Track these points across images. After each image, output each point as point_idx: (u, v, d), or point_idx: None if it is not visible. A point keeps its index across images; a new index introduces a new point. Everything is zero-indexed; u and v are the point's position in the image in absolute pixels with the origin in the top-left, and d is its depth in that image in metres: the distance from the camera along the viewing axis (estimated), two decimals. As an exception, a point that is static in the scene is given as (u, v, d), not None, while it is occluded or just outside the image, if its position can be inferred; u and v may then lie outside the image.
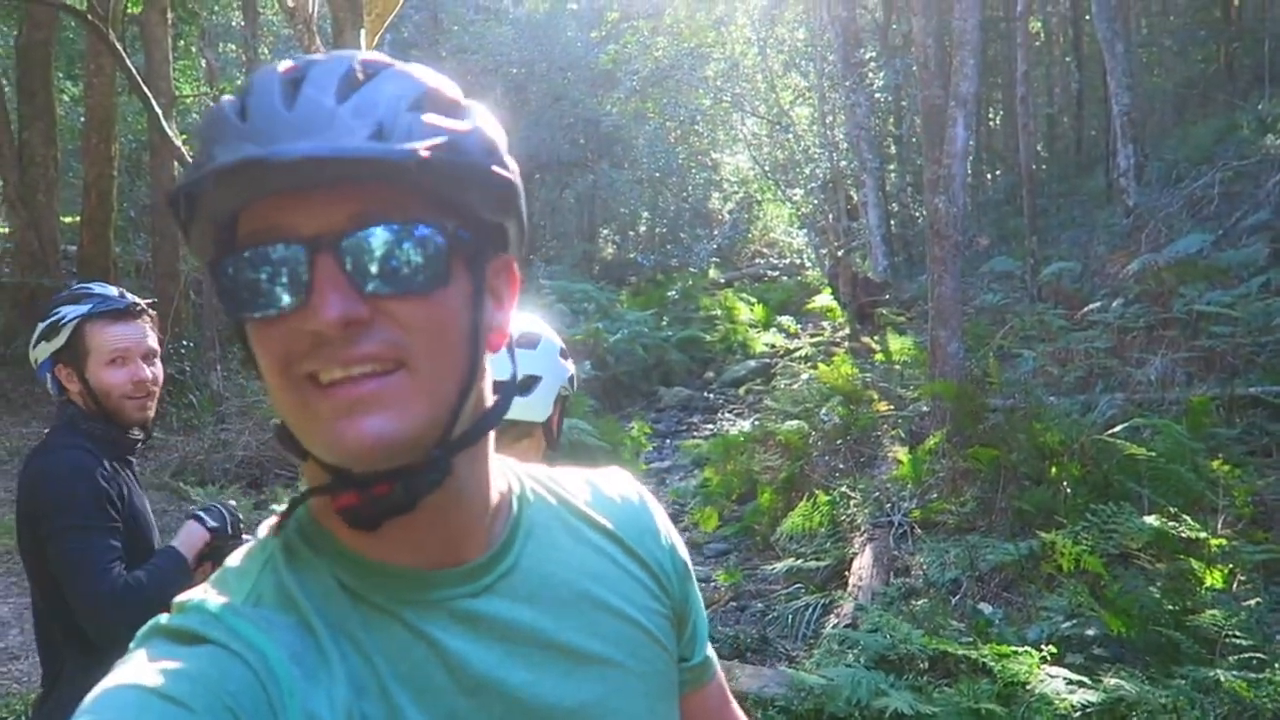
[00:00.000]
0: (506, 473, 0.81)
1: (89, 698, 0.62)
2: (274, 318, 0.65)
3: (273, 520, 0.77)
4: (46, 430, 2.18)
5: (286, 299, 0.64)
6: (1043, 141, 19.13)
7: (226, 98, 0.69)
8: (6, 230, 11.67)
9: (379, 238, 0.65)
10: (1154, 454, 5.01)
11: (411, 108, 0.67)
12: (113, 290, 2.17)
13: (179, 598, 0.71)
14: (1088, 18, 15.58)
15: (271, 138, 0.63)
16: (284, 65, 0.68)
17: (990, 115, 21.85)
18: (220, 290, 0.67)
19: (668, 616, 0.87)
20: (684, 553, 0.93)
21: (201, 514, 2.18)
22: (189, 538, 2.13)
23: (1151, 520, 4.26)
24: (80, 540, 1.96)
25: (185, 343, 9.28)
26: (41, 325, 2.09)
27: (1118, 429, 5.50)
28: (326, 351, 0.64)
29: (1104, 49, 12.50)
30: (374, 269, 0.64)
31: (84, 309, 2.08)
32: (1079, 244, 11.94)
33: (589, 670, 0.78)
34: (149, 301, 2.22)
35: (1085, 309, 8.94)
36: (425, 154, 0.64)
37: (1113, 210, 12.57)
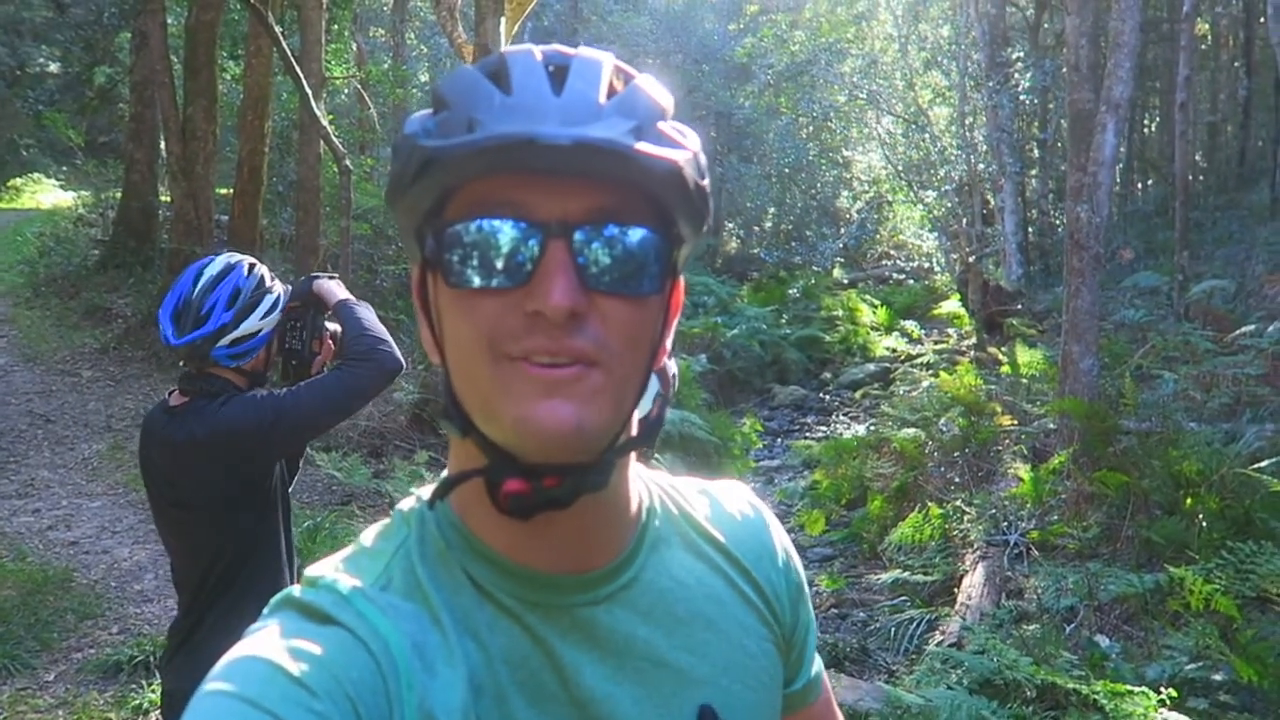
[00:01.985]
0: (638, 481, 0.81)
1: (220, 663, 0.65)
2: (492, 291, 0.66)
3: (410, 501, 0.78)
4: (173, 404, 2.19)
5: (511, 275, 0.65)
6: (1202, 151, 18.00)
7: (469, 68, 0.70)
8: (168, 199, 12.44)
9: (611, 234, 0.66)
10: (1304, 492, 4.67)
11: (661, 118, 0.69)
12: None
13: (310, 572, 0.73)
14: (1262, 20, 14.54)
15: (541, 118, 0.64)
16: (540, 51, 0.70)
17: (1146, 121, 20.69)
18: (439, 256, 0.68)
19: (776, 644, 0.86)
20: (800, 572, 0.91)
21: (316, 276, 2.35)
22: (338, 286, 2.31)
23: (1295, 564, 3.97)
24: (294, 399, 2.10)
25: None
26: (270, 298, 2.20)
27: (1265, 463, 5.13)
28: (539, 338, 0.65)
29: (1277, 54, 11.63)
30: (601, 264, 0.66)
31: (281, 295, 2.26)
32: (1235, 262, 11.21)
33: (695, 692, 0.77)
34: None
35: (1237, 332, 8.38)
36: (677, 164, 0.66)
37: (1276, 227, 11.75)
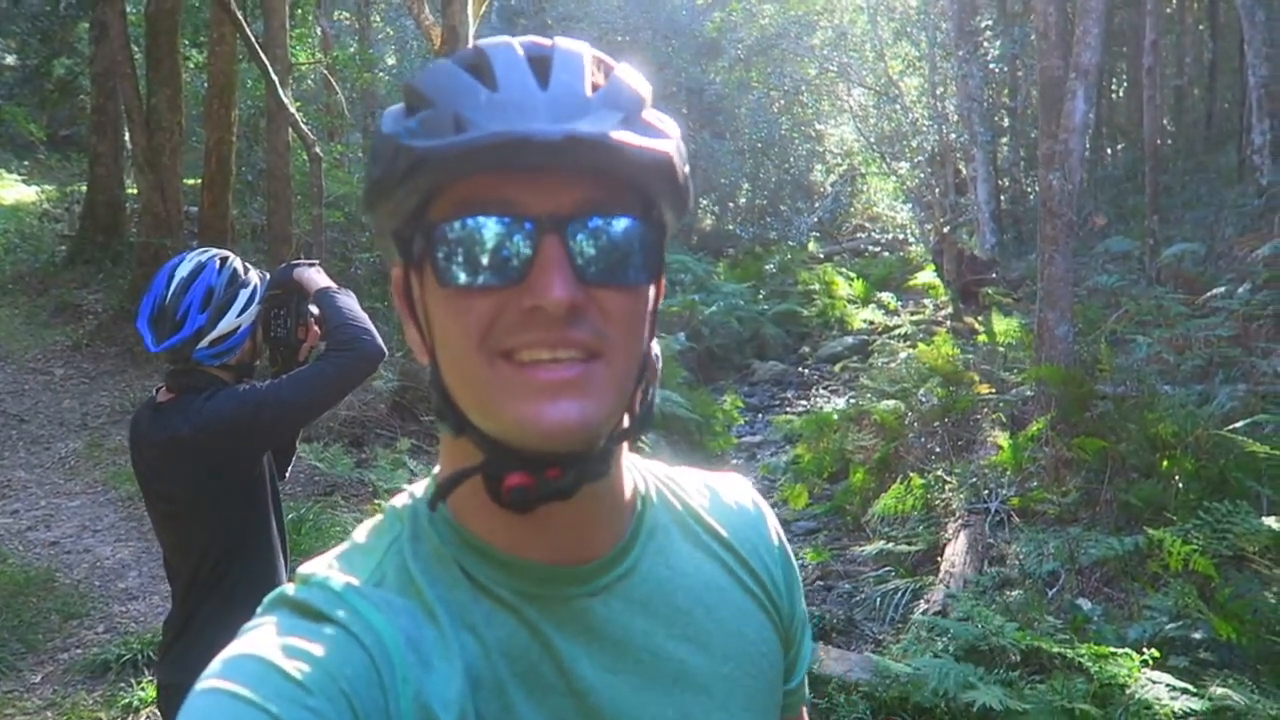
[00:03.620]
0: (633, 470, 0.81)
1: (215, 662, 0.64)
2: (487, 288, 0.65)
3: (403, 497, 0.78)
4: (160, 400, 2.18)
5: (506, 273, 0.65)
6: (1169, 115, 18.11)
7: (447, 62, 0.68)
8: (134, 192, 12.23)
9: (602, 226, 0.66)
10: (1277, 451, 4.74)
11: (643, 108, 0.69)
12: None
13: (304, 569, 0.72)
14: (1226, -17, 14.63)
15: (531, 114, 0.63)
16: (520, 43, 0.69)
17: (1113, 87, 20.78)
18: (428, 255, 0.67)
19: (777, 634, 0.85)
20: (795, 565, 0.91)
21: (296, 264, 2.32)
22: (317, 273, 2.29)
23: (1271, 522, 4.05)
24: (276, 391, 2.09)
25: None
26: (245, 293, 2.18)
27: (1239, 424, 5.22)
28: (538, 331, 0.64)
29: (1242, 16, 11.72)
30: (595, 256, 0.66)
31: (257, 286, 2.22)
32: (1204, 225, 11.31)
33: (694, 682, 0.77)
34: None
35: (1208, 294, 8.47)
36: (668, 155, 0.66)
37: (1243, 190, 11.86)
